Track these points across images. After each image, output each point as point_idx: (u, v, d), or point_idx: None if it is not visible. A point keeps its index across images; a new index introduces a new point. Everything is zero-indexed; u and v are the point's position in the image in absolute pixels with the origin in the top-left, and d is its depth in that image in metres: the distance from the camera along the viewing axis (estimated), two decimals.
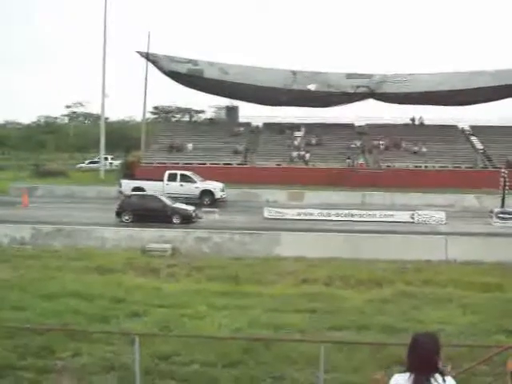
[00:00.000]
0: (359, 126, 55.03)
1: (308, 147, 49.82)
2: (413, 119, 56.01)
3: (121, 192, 35.07)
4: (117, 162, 58.12)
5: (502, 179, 31.82)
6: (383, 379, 5.77)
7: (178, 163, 43.99)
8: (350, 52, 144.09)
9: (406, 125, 55.00)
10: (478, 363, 8.40)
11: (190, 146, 49.96)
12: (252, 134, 54.39)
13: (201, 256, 20.40)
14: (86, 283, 15.70)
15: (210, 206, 34.65)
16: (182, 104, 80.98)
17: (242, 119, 58.18)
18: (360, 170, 45.74)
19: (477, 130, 53.16)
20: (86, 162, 63.76)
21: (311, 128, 53.05)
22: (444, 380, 4.13)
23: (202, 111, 75.53)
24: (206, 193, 36.26)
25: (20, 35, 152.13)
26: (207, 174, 38.87)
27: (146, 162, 47.22)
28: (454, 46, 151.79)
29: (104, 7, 50.54)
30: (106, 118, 60.77)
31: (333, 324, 12.44)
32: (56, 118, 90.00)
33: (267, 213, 30.96)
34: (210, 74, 52.37)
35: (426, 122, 55.51)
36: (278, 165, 47.68)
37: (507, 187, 31.57)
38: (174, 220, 28.07)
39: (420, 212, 30.52)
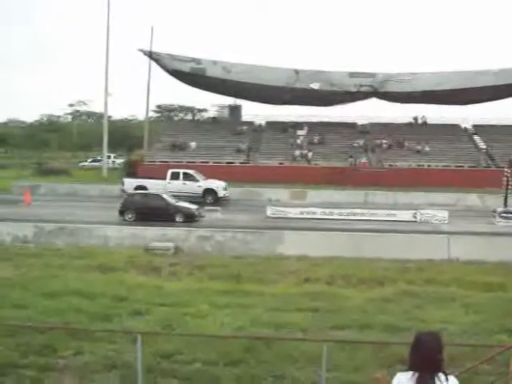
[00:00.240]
0: (362, 125, 55.00)
1: (311, 146, 49.80)
2: (415, 118, 55.96)
3: (123, 190, 35.08)
4: (120, 161, 58.15)
5: (504, 178, 31.76)
6: (385, 378, 5.77)
7: (180, 162, 44.01)
8: (353, 51, 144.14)
9: (408, 124, 54.97)
10: (481, 362, 8.38)
11: (192, 144, 49.97)
12: (255, 132, 54.39)
13: (203, 255, 20.39)
14: (88, 281, 15.69)
15: (212, 204, 34.61)
16: (185, 103, 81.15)
17: (244, 118, 58.19)
18: (362, 169, 45.70)
19: (480, 130, 53.09)
20: (89, 160, 63.86)
21: (314, 127, 53.04)
22: (447, 379, 4.13)
23: (204, 110, 75.67)
24: (209, 191, 36.26)
25: (20, 35, 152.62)
26: (210, 173, 38.86)
27: (148, 160, 47.27)
28: (456, 45, 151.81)
29: (107, 6, 50.61)
30: (109, 117, 60.91)
31: (335, 323, 12.41)
32: (59, 116, 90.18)
33: (270, 211, 30.95)
34: (212, 72, 52.37)
35: (429, 121, 55.43)
36: (281, 163, 47.70)
37: (510, 186, 31.50)
38: (177, 218, 28.06)
39: (422, 211, 30.47)
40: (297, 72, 52.22)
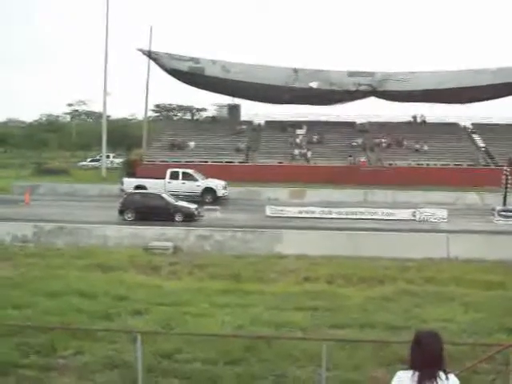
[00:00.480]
0: (361, 124, 54.99)
1: (310, 145, 49.79)
2: (414, 117, 55.96)
3: (123, 190, 35.07)
4: (119, 160, 58.11)
5: (503, 177, 31.84)
6: (384, 377, 5.78)
7: (179, 161, 43.97)
8: (352, 50, 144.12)
9: (407, 123, 54.96)
10: (480, 361, 8.40)
11: (191, 144, 49.96)
12: (254, 132, 54.37)
13: (203, 254, 20.41)
14: (89, 281, 15.68)
15: (211, 203, 34.67)
16: (184, 102, 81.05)
17: (243, 117, 58.14)
18: (362, 168, 45.71)
19: (478, 128, 53.13)
20: (88, 160, 63.78)
21: (313, 126, 52.99)
22: (447, 377, 4.15)
23: (203, 109, 75.46)
24: (208, 191, 36.29)
25: (20, 35, 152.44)
26: (209, 172, 38.86)
27: (147, 160, 47.24)
28: (455, 44, 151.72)
29: (106, 6, 50.53)
30: (108, 116, 60.80)
31: (335, 322, 12.42)
32: (58, 116, 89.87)
33: (269, 211, 30.98)
34: (211, 72, 52.35)
35: (428, 120, 55.46)
36: (280, 163, 47.67)
37: (509, 185, 31.55)
38: (177, 218, 28.09)
39: (422, 210, 30.50)
40: (296, 71, 52.22)
